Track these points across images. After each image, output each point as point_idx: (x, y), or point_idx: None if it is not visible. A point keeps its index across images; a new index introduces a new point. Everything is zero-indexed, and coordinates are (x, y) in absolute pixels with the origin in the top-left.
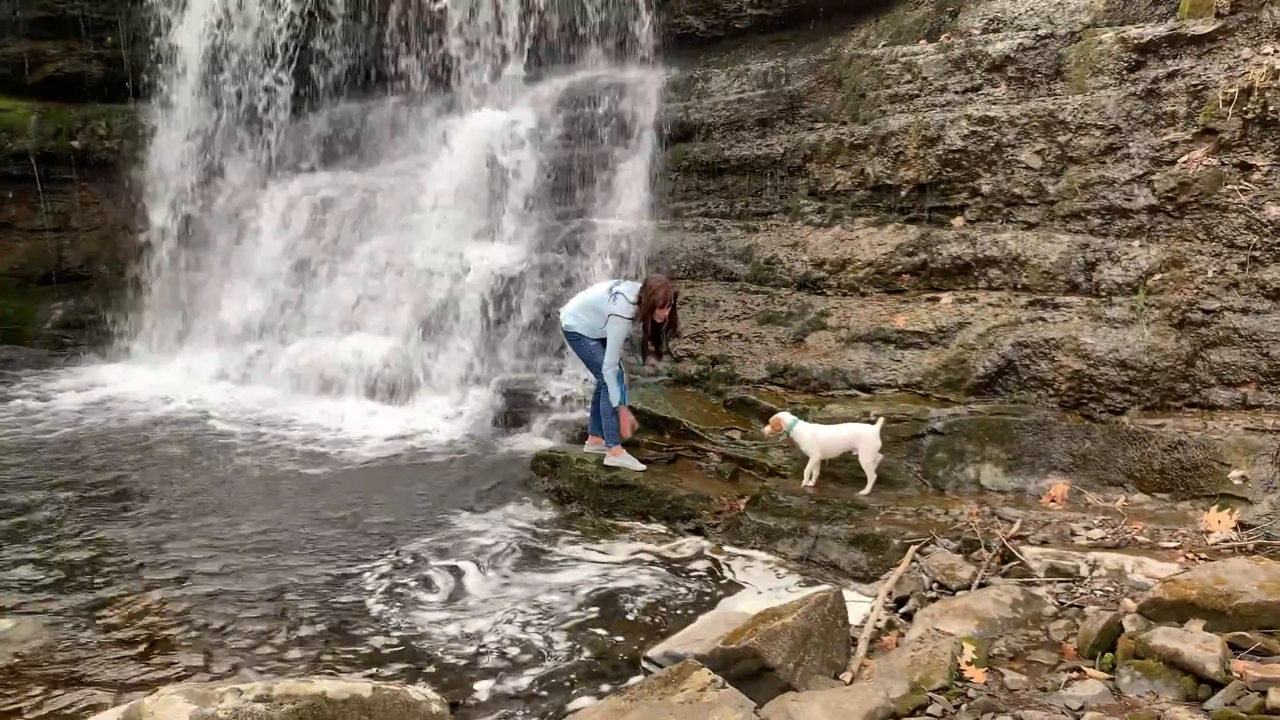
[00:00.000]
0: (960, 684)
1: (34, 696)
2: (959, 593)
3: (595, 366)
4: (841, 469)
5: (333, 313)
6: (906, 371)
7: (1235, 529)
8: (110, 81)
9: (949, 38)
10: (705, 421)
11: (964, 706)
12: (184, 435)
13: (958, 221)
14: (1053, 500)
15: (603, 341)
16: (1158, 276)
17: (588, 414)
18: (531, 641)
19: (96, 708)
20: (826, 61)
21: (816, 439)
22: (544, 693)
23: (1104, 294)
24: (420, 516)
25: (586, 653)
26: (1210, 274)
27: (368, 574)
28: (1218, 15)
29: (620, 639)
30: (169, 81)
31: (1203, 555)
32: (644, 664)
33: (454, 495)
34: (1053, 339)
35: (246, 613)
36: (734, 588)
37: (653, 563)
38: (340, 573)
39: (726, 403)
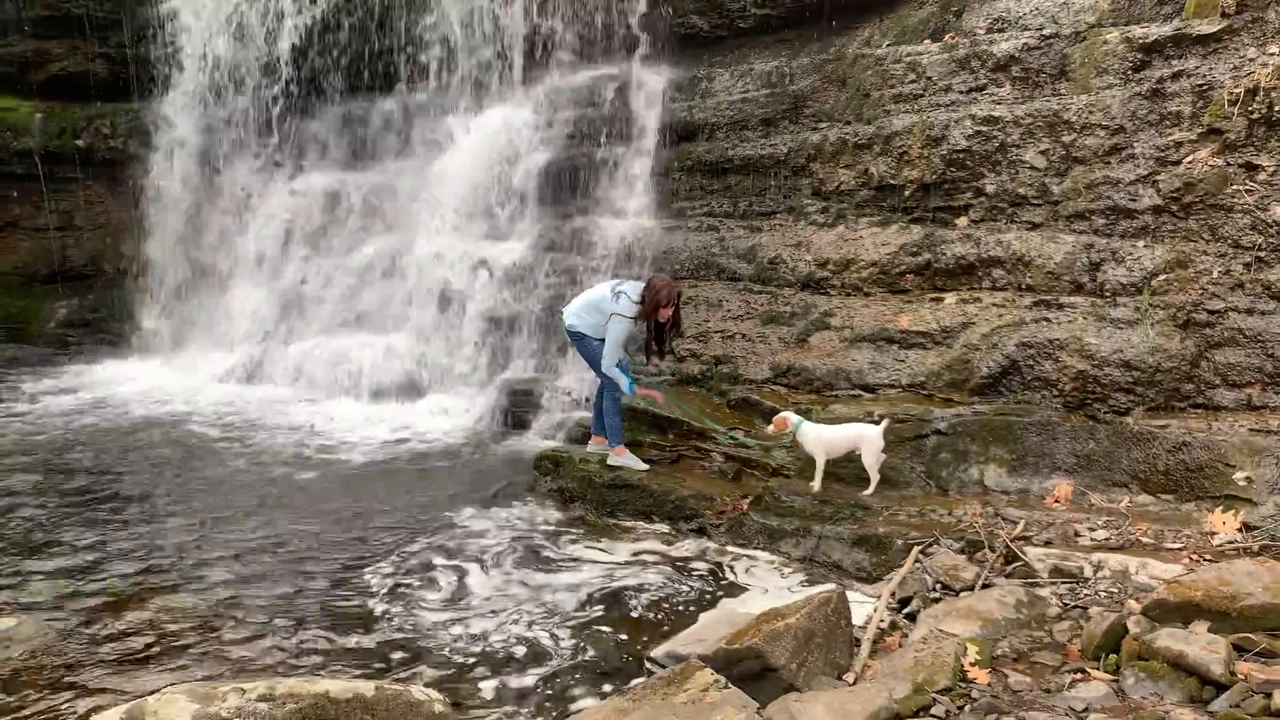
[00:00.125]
0: (964, 685)
1: (36, 696)
2: (962, 593)
3: (598, 366)
4: (845, 469)
5: (336, 312)
6: (910, 372)
7: (1240, 530)
8: (115, 80)
9: (953, 37)
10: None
11: (967, 708)
12: (186, 435)
13: (962, 221)
14: (1057, 501)
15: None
16: (1162, 277)
17: (590, 414)
18: (534, 641)
19: (99, 707)
20: (831, 61)
21: (821, 439)
22: (547, 693)
23: (1108, 294)
24: (423, 516)
25: (589, 653)
26: (1215, 274)
27: (370, 574)
28: (1223, 15)
29: (623, 639)
30: (173, 80)
31: (1207, 557)
32: (647, 664)
33: (457, 495)
34: (1057, 339)
35: (249, 612)
36: (737, 588)
37: (655, 563)
38: (343, 572)
39: (730, 403)
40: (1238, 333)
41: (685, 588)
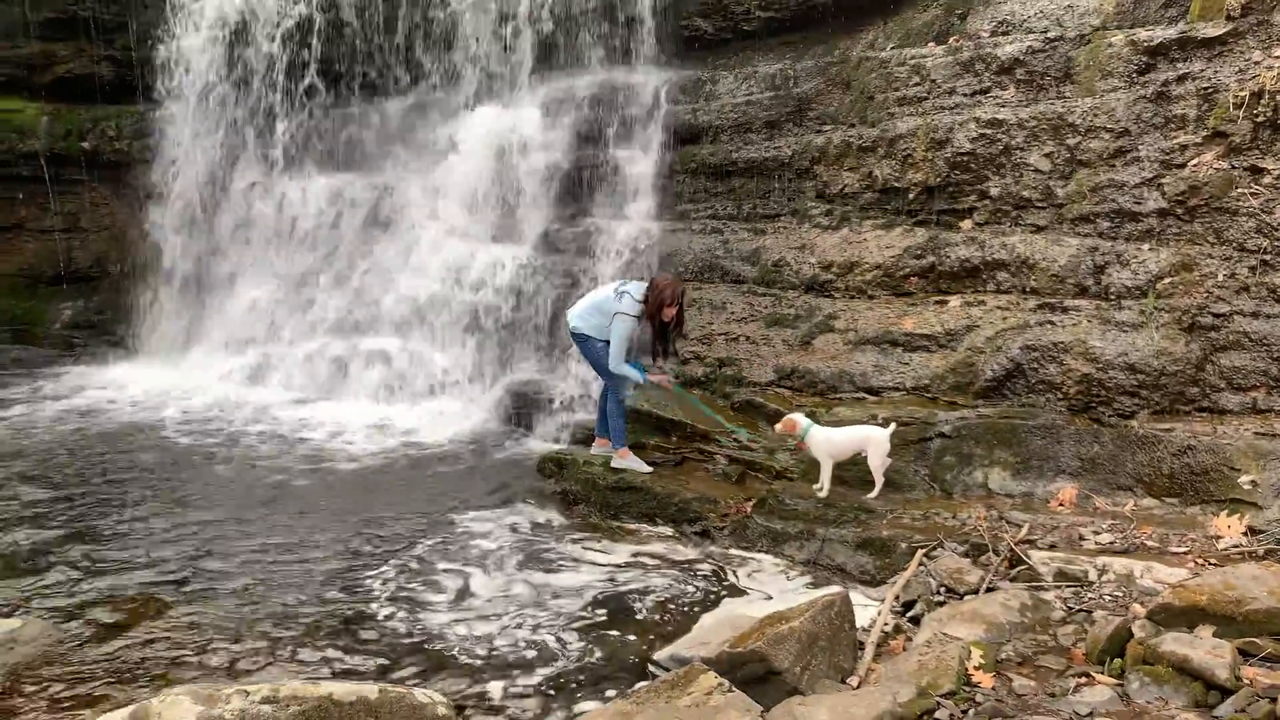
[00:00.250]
0: (968, 689)
1: (41, 696)
2: (966, 597)
3: (603, 368)
4: (849, 472)
5: (341, 314)
6: (914, 374)
7: (1245, 534)
8: (120, 83)
9: (958, 40)
10: (712, 423)
11: (971, 711)
12: (190, 436)
13: (966, 224)
14: (1061, 504)
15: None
16: (1167, 280)
17: (594, 416)
18: (538, 644)
19: (103, 708)
20: (835, 64)
21: (830, 442)
22: (550, 695)
23: (1113, 297)
24: (427, 518)
25: (593, 655)
26: (1220, 278)
27: (374, 576)
28: (1228, 18)
29: (627, 642)
30: (179, 83)
31: (1212, 560)
32: (650, 667)
33: (461, 497)
34: (1061, 342)
35: (253, 614)
36: (740, 591)
37: (659, 565)
38: (346, 574)
39: (734, 405)
40: (1243, 336)
41: (689, 590)
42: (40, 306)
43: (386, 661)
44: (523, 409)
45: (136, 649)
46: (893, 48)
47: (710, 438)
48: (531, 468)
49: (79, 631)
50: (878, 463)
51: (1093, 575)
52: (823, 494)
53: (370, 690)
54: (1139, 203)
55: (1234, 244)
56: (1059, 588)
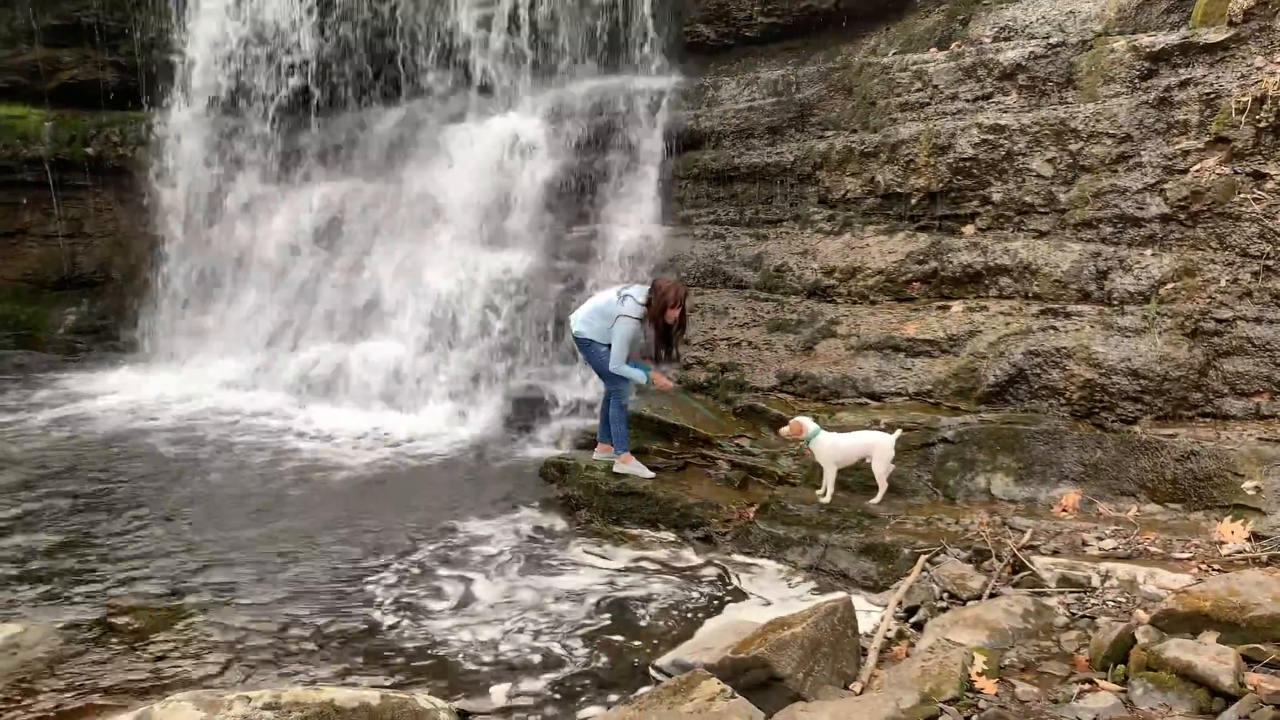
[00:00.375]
0: (971, 695)
1: (43, 702)
2: (970, 603)
3: (605, 372)
4: (851, 477)
5: (343, 320)
6: (917, 380)
7: (1249, 540)
8: (124, 89)
9: (960, 46)
10: (714, 429)
11: (975, 718)
12: (191, 441)
13: (968, 230)
14: (1064, 510)
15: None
16: (1170, 285)
17: (596, 421)
18: (540, 650)
19: (106, 714)
20: (837, 69)
21: (835, 448)
22: (553, 701)
23: (1116, 303)
24: (429, 523)
25: (595, 661)
26: (1223, 283)
27: (376, 581)
28: (1230, 24)
29: (629, 647)
30: (183, 89)
31: (1216, 566)
32: (653, 673)
33: (463, 502)
34: (1064, 348)
35: (255, 620)
36: (743, 596)
37: (661, 570)
38: (348, 580)
39: (736, 410)
40: (1246, 341)
41: (691, 596)
42: (44, 312)
43: (389, 667)
44: (524, 414)
45: (138, 655)
46: (895, 53)
47: (713, 443)
48: (533, 473)
49: (81, 638)
50: (882, 469)
51: (1096, 581)
52: (826, 499)
53: (372, 696)
54: (1141, 208)
55: (1237, 249)
56: (1062, 593)
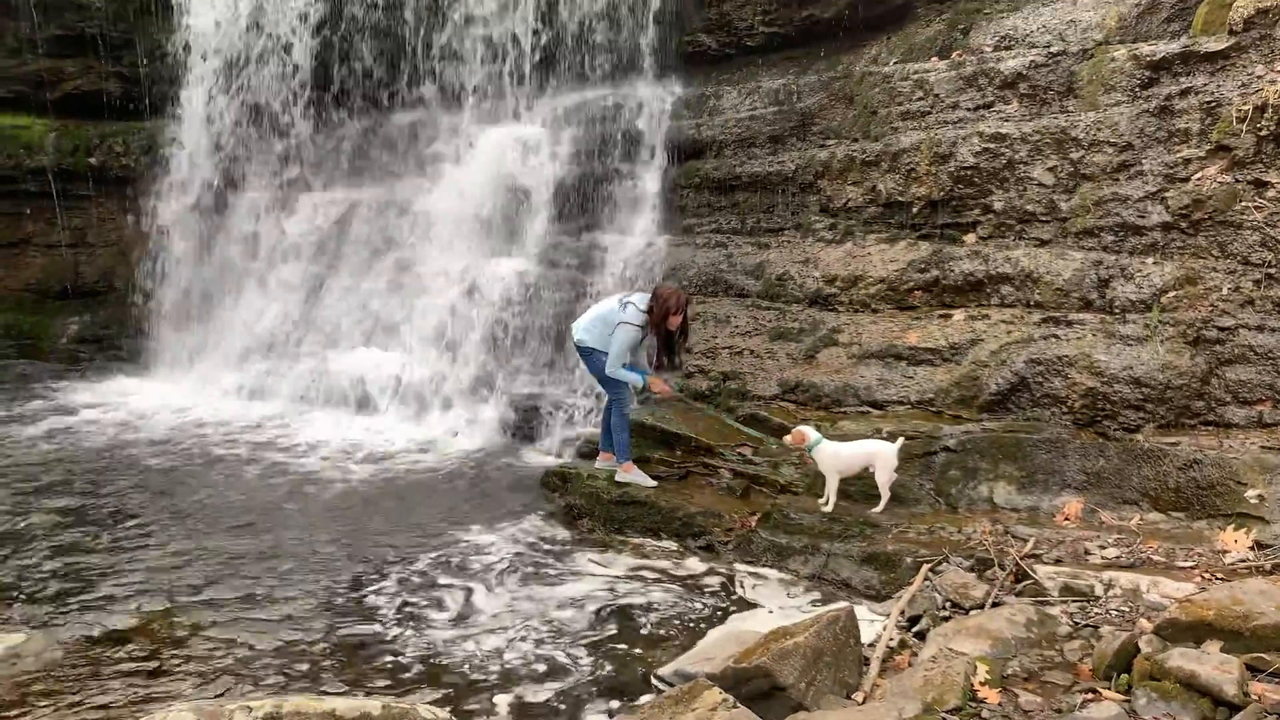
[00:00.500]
0: (974, 704)
1: (44, 712)
2: (972, 612)
3: (606, 380)
4: (854, 486)
5: (345, 328)
6: (919, 388)
7: (1252, 548)
8: (128, 99)
9: (961, 55)
10: (717, 438)
11: None
12: (194, 450)
13: (970, 238)
14: (1067, 518)
15: None
16: (1172, 294)
17: (598, 429)
18: (542, 659)
19: None
20: (838, 79)
21: (838, 457)
22: (556, 712)
23: (1118, 311)
24: (431, 532)
25: (597, 670)
26: (1225, 291)
27: (378, 591)
28: (1231, 32)
29: (631, 657)
30: (186, 99)
31: (1219, 575)
32: (655, 682)
33: (465, 511)
34: (1066, 356)
35: (256, 630)
36: (745, 605)
37: (663, 580)
38: (349, 589)
39: (738, 419)
40: (1248, 350)
41: (693, 605)
42: (46, 321)
43: (390, 677)
44: (527, 422)
45: (139, 665)
46: (896, 62)
47: (715, 452)
48: (535, 482)
49: (81, 648)
50: (885, 478)
51: (1099, 590)
52: (828, 508)
53: (374, 706)
54: (1143, 216)
55: (1238, 257)
56: (1065, 603)
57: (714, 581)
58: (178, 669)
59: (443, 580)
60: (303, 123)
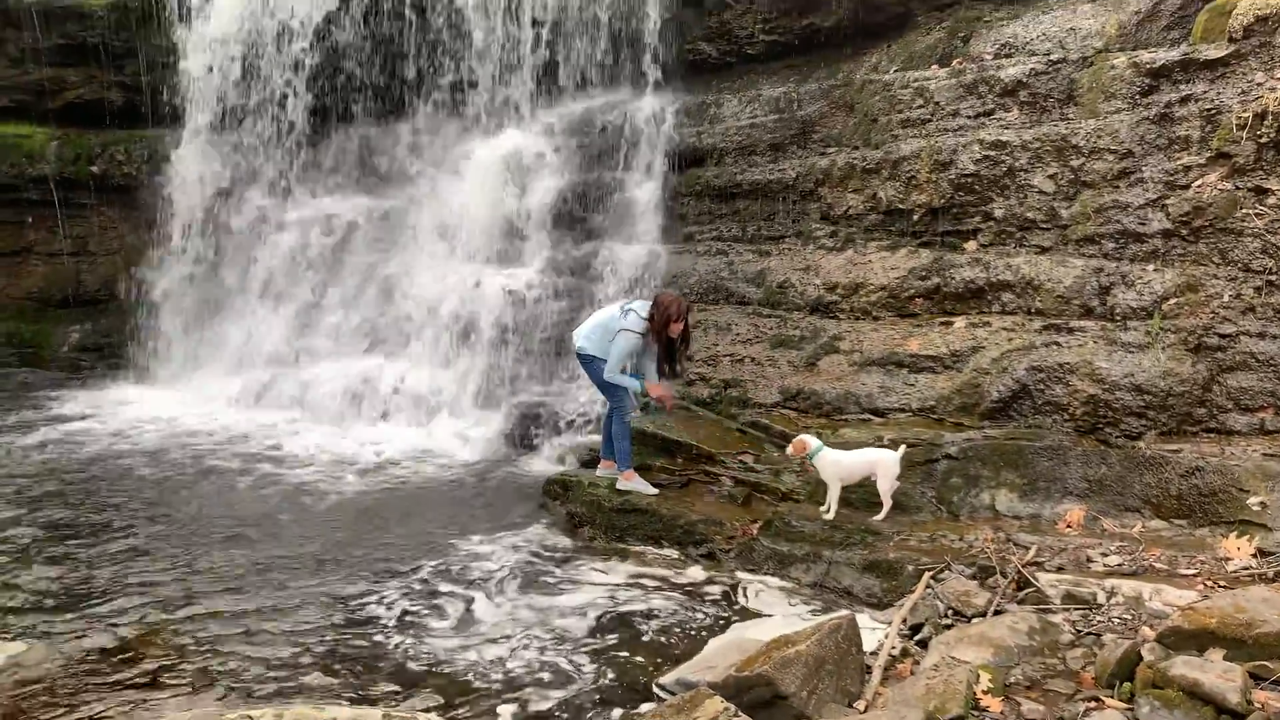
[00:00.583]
0: (976, 713)
1: None
2: (974, 620)
3: (607, 388)
4: (855, 494)
5: (346, 337)
6: (920, 396)
7: (1254, 556)
8: (129, 108)
9: (961, 63)
10: (718, 445)
11: None
12: (195, 459)
13: (970, 245)
14: (1068, 526)
15: None
16: (1173, 301)
17: (599, 437)
18: (543, 667)
19: None
20: (838, 87)
21: (839, 465)
22: (557, 719)
23: (1119, 318)
24: (432, 541)
25: (599, 679)
26: (1226, 298)
27: (379, 599)
28: (1231, 40)
29: (633, 665)
30: (187, 107)
31: (1222, 583)
32: (656, 690)
33: (466, 519)
34: (1067, 363)
35: (257, 639)
36: (747, 614)
37: (665, 588)
38: (350, 598)
39: (739, 427)
40: (1249, 357)
41: (694, 613)
42: (48, 329)
43: (392, 686)
44: (528, 430)
45: (140, 675)
46: (896, 70)
47: (716, 459)
48: (537, 490)
49: (82, 658)
50: (886, 486)
51: (1101, 598)
52: (829, 516)
53: (374, 715)
54: (1143, 223)
55: (1239, 264)
56: (1067, 610)
57: (715, 589)
58: (177, 679)
59: (444, 588)
60: (307, 130)
